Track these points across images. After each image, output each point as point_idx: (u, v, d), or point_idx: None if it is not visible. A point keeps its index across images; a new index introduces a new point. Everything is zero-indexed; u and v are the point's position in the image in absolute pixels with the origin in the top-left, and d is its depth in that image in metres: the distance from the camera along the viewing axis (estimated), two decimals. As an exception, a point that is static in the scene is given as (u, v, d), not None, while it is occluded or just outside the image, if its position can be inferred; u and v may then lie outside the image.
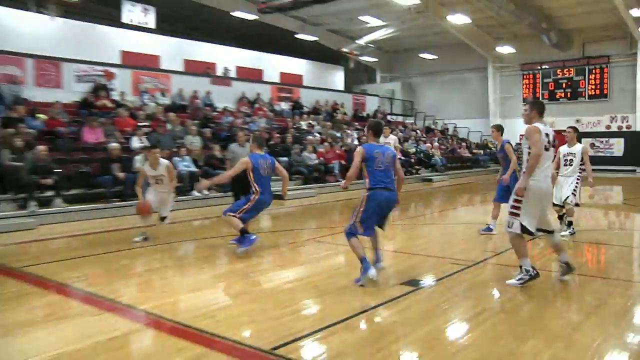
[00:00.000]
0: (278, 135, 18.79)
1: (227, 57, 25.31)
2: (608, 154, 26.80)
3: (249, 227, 7.94)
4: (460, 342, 4.39)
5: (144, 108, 17.58)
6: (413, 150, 23.53)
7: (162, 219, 8.57)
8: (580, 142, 8.99)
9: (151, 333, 4.65)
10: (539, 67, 29.06)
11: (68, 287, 6.05)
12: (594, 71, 27.63)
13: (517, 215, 5.57)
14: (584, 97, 27.92)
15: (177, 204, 8.84)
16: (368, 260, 5.90)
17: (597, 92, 27.66)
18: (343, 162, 18.78)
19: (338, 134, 21.63)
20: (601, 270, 6.90)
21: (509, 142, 8.85)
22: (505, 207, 6.28)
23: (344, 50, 29.07)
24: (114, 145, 12.78)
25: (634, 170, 25.90)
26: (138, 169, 7.70)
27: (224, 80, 22.91)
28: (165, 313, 5.01)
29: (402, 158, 20.26)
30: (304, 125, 21.76)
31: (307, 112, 24.03)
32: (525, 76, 29.79)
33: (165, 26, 23.91)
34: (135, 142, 14.26)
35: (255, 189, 7.68)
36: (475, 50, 29.10)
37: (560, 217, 9.17)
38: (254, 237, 7.48)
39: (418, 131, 28.03)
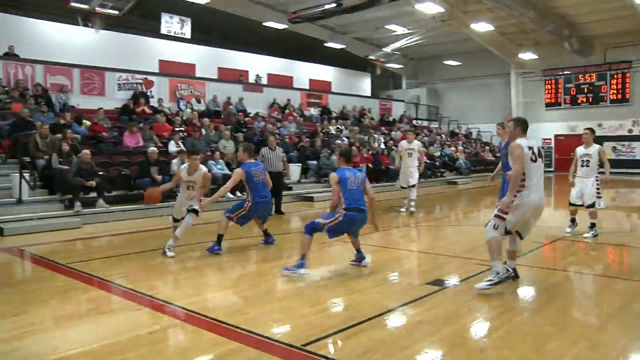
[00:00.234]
0: (307, 139, 18.80)
1: (259, 65, 25.48)
2: (630, 158, 26.32)
3: (270, 229, 8.25)
4: (485, 341, 4.33)
5: (180, 114, 17.80)
6: (438, 153, 23.32)
7: (194, 211, 7.93)
8: (599, 144, 8.82)
9: (188, 328, 4.69)
10: (561, 73, 28.51)
11: (110, 283, 6.15)
12: (615, 76, 26.97)
13: (503, 218, 5.49)
14: (606, 101, 27.29)
15: (212, 204, 8.89)
16: (307, 262, 6.33)
17: (619, 96, 27.00)
18: (370, 165, 18.72)
19: (365, 138, 21.56)
20: (625, 272, 6.73)
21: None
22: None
23: (371, 57, 28.98)
24: (152, 149, 12.96)
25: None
26: (174, 172, 7.68)
27: (256, 87, 23.05)
28: (200, 309, 5.06)
29: (428, 161, 20.08)
30: (332, 129, 21.74)
31: (336, 117, 24.00)
32: (547, 81, 29.23)
33: (201, 36, 24.18)
34: (172, 146, 14.45)
35: (249, 197, 7.83)
36: (498, 56, 28.67)
37: (573, 220, 9.01)
38: (220, 250, 7.60)
39: (443, 135, 27.77)
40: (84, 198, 11.34)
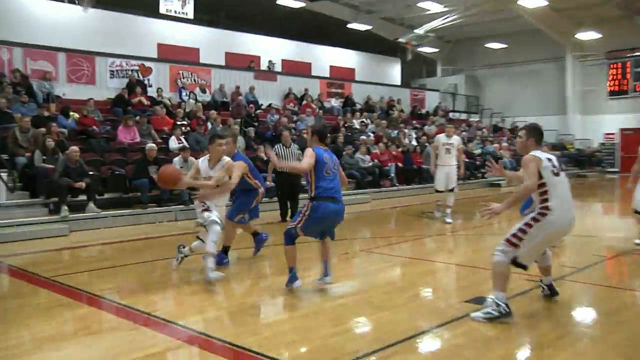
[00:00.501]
0: (328, 135, 18.75)
1: (272, 50, 25.56)
2: None
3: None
4: (536, 369, 4.28)
5: (183, 105, 17.95)
6: (478, 151, 23.14)
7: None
8: None
9: (192, 350, 4.70)
10: (630, 55, 27.93)
11: (101, 298, 6.20)
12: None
13: (516, 246, 5.21)
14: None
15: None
16: (297, 273, 6.27)
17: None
18: (400, 164, 18.68)
19: (394, 134, 21.49)
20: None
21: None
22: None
23: (401, 40, 28.86)
24: (151, 145, 13.07)
25: None
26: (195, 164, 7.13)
27: (269, 74, 23.14)
28: (206, 329, 5.07)
29: (467, 160, 19.95)
30: (356, 123, 21.73)
31: (360, 110, 23.99)
32: (611, 66, 28.71)
33: (205, 17, 24.37)
34: (173, 143, 14.57)
35: (257, 184, 7.97)
36: (552, 37, 28.30)
37: None
38: (227, 261, 7.72)
39: (484, 130, 27.54)
40: (71, 201, 11.46)
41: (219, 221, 6.70)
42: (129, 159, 13.42)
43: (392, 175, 18.20)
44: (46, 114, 14.13)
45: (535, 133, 5.48)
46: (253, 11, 25.98)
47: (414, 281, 7.07)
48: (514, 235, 5.24)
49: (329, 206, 6.06)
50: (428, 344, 4.80)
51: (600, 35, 27.15)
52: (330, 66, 28.17)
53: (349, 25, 27.19)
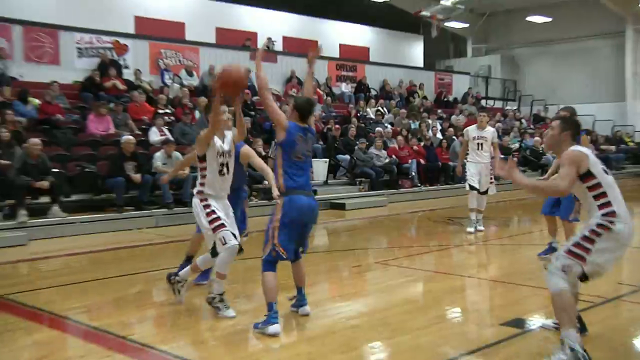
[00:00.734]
0: (338, 126, 18.77)
1: (272, 25, 25.50)
2: None
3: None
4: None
5: (166, 90, 17.93)
6: (516, 145, 23.10)
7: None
8: None
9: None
10: None
11: (67, 320, 6.18)
12: None
13: (583, 259, 4.76)
14: None
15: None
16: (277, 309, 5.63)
17: None
18: (422, 161, 18.63)
19: (415, 125, 21.43)
20: None
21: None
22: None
23: (424, 13, 28.83)
24: (128, 138, 13.04)
25: None
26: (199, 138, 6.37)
27: (269, 54, 23.06)
28: (192, 355, 5.05)
29: (502, 156, 19.85)
30: (371, 113, 21.68)
31: (375, 96, 23.96)
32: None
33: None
34: (154, 135, 14.56)
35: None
36: (608, 7, 28.17)
37: None
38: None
39: (523, 121, 27.44)
40: (31, 204, 11.45)
41: (237, 244, 6.14)
42: (102, 154, 13.42)
43: (413, 173, 18.16)
44: (-1, 99, 14.10)
45: (572, 126, 5.16)
46: (249, -22, 25.99)
47: (439, 299, 7.03)
48: (578, 244, 4.82)
49: (302, 199, 5.74)
50: (456, 374, 4.77)
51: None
52: (341, 45, 28.11)
53: (362, -4, 27.19)
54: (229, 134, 6.40)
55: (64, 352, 5.39)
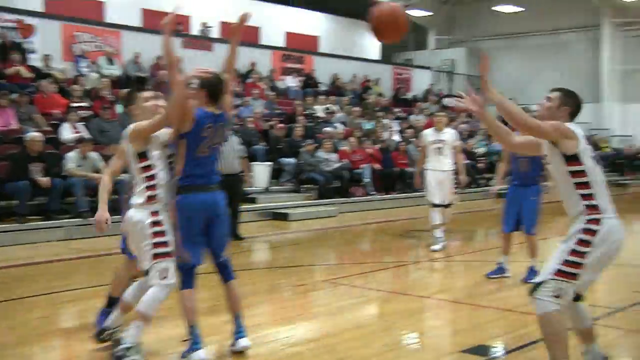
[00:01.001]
0: (282, 125, 18.77)
1: (208, 9, 25.41)
2: None
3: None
4: None
5: (81, 80, 17.65)
6: (482, 150, 23.38)
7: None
8: None
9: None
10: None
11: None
12: None
13: (575, 277, 4.62)
14: None
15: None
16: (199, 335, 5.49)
17: None
18: (377, 166, 18.72)
19: (370, 125, 21.55)
20: None
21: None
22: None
23: (382, -1, 29.07)
24: (34, 135, 12.83)
25: None
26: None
27: (203, 41, 22.97)
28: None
29: (467, 162, 20.10)
30: (319, 110, 21.72)
31: (325, 92, 24.02)
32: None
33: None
34: (67, 132, 14.33)
35: None
36: (582, -2, 28.92)
37: None
38: None
39: (491, 122, 27.83)
40: None
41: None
42: (1, 154, 13.13)
43: (367, 180, 18.25)
44: None
45: (572, 101, 4.97)
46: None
47: (394, 323, 7.05)
48: (568, 262, 4.62)
49: (198, 197, 5.51)
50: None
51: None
52: (287, 33, 28.24)
53: (312, -22, 27.28)
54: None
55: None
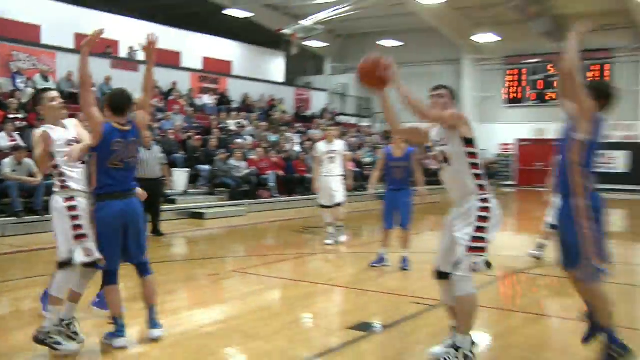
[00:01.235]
0: (199, 136, 18.61)
1: (135, 34, 24.41)
2: (609, 171, 26.63)
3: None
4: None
5: (18, 95, 17.03)
6: (369, 159, 23.72)
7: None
8: None
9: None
10: (527, 61, 29.93)
11: None
12: (593, 67, 28.56)
13: (483, 250, 4.59)
14: (579, 99, 28.92)
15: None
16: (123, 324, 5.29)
17: (597, 94, 28.74)
18: (281, 172, 18.80)
19: (275, 138, 21.61)
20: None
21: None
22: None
23: (285, 31, 29.12)
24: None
25: (638, 191, 26.62)
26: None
27: (130, 63, 22.52)
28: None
29: (356, 170, 20.42)
30: (232, 125, 21.64)
31: (237, 109, 23.94)
32: (508, 72, 30.71)
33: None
34: (3, 140, 13.81)
35: None
36: (448, 37, 29.76)
37: (542, 245, 9.72)
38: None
39: (375, 136, 28.31)
40: None
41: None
42: None
43: (272, 184, 18.29)
44: None
45: (453, 93, 5.16)
46: (112, -13, 25.26)
47: (293, 305, 7.13)
48: (476, 238, 4.58)
49: (113, 205, 5.15)
50: (305, 376, 4.84)
51: (498, 38, 28.80)
52: (204, 57, 27.97)
53: (226, 12, 27.04)
54: (70, 123, 5.57)
55: None
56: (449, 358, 4.54)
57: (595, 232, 4.55)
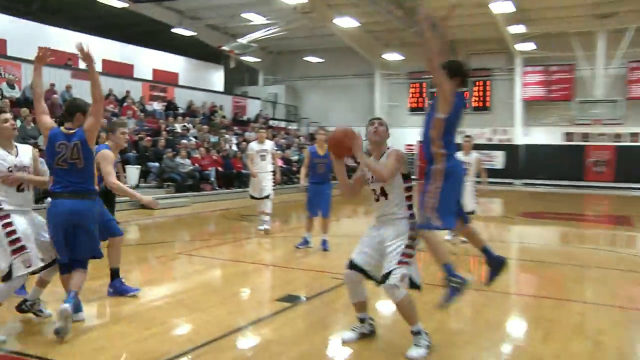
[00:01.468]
0: (149, 138, 18.28)
1: (93, 49, 23.88)
2: (489, 167, 28.39)
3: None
4: (338, 360, 4.52)
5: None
6: (296, 157, 23.83)
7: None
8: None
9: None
10: (426, 76, 30.62)
11: None
12: (477, 83, 29.70)
13: (409, 263, 4.50)
14: (468, 108, 29.87)
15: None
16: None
17: (481, 104, 29.83)
18: (220, 168, 18.68)
19: (216, 139, 21.43)
20: (476, 284, 7.34)
21: None
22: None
23: (224, 48, 28.89)
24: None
25: (511, 183, 28.30)
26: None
27: (87, 74, 21.86)
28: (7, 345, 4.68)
29: (284, 166, 20.48)
30: (178, 128, 21.33)
31: (183, 114, 23.58)
32: (412, 85, 31.35)
33: (15, 5, 22.42)
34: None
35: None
36: (363, 56, 30.15)
37: None
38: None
39: (302, 138, 28.41)
40: None
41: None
42: None
43: (213, 179, 18.14)
44: None
45: (387, 126, 4.96)
46: (72, 6, 24.43)
47: (230, 282, 7.14)
48: (405, 254, 4.49)
49: (64, 204, 4.82)
50: (239, 341, 4.86)
51: (402, 57, 29.37)
52: (154, 69, 27.43)
53: (173, 30, 26.62)
54: (25, 149, 5.03)
55: None
56: (419, 343, 4.46)
57: (444, 191, 4.56)
